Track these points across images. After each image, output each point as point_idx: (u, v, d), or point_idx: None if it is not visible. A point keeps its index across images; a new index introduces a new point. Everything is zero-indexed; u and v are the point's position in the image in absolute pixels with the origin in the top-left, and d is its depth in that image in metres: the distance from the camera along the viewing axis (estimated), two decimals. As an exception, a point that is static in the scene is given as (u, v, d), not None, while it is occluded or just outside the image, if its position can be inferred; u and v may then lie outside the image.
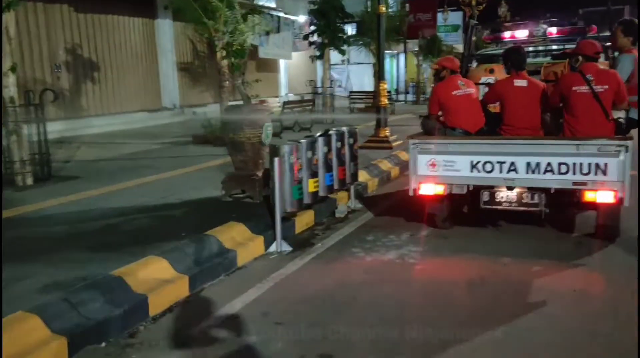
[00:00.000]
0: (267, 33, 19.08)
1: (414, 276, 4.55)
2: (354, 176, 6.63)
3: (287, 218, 5.52)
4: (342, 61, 26.46)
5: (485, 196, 5.10)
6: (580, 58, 5.21)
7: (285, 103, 12.95)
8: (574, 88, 5.02)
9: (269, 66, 21.76)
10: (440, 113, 5.84)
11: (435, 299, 4.03)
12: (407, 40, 29.70)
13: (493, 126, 5.64)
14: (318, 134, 5.99)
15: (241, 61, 6.66)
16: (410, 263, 4.77)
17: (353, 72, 27.86)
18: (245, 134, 6.00)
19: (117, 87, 14.68)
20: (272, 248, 5.09)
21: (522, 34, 8.09)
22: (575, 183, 4.73)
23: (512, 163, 4.89)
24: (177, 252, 4.33)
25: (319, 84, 16.89)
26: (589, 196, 4.74)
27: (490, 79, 6.89)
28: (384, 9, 10.51)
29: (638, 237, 4.87)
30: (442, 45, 27.70)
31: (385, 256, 4.94)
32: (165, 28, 15.94)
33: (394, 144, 10.48)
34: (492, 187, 5.07)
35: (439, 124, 5.81)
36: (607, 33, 7.29)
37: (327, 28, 15.18)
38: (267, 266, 4.77)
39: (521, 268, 4.55)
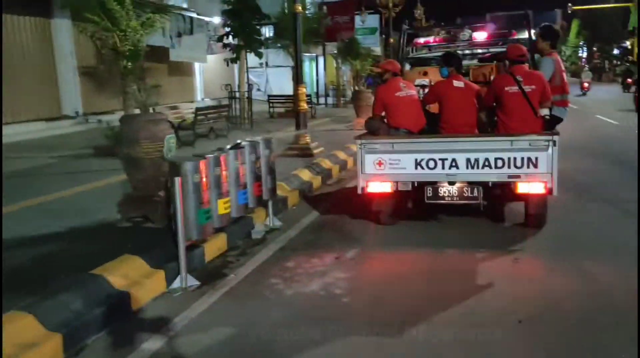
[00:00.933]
0: (179, 34, 18.05)
1: (339, 312, 3.96)
2: (272, 191, 5.97)
3: (196, 245, 4.78)
4: (261, 63, 25.65)
5: (429, 191, 5.38)
6: (507, 62, 5.74)
7: (197, 109, 12.03)
8: (506, 88, 5.44)
9: (182, 70, 20.61)
10: (383, 114, 6.08)
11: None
12: (326, 43, 29.49)
13: (433, 125, 5.95)
14: (228, 146, 5.28)
15: (137, 64, 5.76)
16: (336, 295, 4.17)
17: (272, 75, 27.11)
18: (143, 149, 5.17)
19: (6, 95, 13.10)
20: (176, 283, 4.33)
21: (449, 38, 8.28)
22: (510, 176, 5.10)
23: (454, 160, 5.17)
24: (49, 302, 3.47)
25: (235, 88, 16.00)
26: (523, 187, 5.12)
27: (425, 81, 7.14)
28: (300, 8, 9.92)
29: (638, 238, 4.99)
30: (360, 48, 27.56)
31: (308, 288, 4.31)
32: (63, 29, 14.49)
33: (315, 151, 9.92)
34: (435, 183, 5.36)
35: (383, 124, 6.00)
36: (524, 36, 7.45)
37: (242, 29, 14.40)
38: (169, 308, 4.00)
39: (464, 257, 4.87)
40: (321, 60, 33.46)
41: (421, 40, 8.60)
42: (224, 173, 4.84)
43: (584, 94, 30.46)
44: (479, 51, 8.01)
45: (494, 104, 5.70)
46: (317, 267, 4.75)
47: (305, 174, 8.24)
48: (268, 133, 12.93)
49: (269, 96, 20.71)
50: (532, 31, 7.10)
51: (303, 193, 7.57)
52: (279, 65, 26.05)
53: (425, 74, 7.32)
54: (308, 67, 36.14)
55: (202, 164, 4.46)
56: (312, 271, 4.65)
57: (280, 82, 25.71)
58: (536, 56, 6.55)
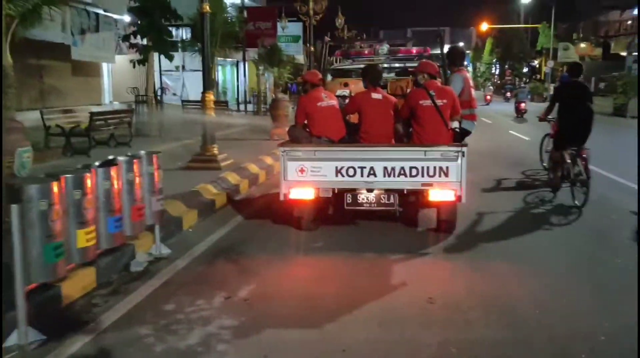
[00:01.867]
0: (83, 31, 16.57)
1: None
2: (159, 214, 5.11)
3: (49, 286, 3.85)
4: (177, 67, 24.41)
5: (348, 198, 5.57)
6: (424, 76, 5.95)
7: (93, 114, 10.81)
8: (420, 102, 5.74)
9: (88, 70, 19.00)
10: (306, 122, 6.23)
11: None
12: (247, 49, 28.63)
13: (352, 134, 6.16)
14: (97, 163, 4.39)
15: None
16: (218, 353, 3.40)
17: (189, 79, 25.74)
18: (-13, 164, 4.17)
19: None
20: (12, 339, 3.38)
21: (368, 51, 8.67)
22: (423, 184, 5.38)
23: (372, 168, 5.39)
24: None
25: (144, 92, 14.79)
26: (435, 195, 5.43)
27: (345, 92, 7.30)
28: (207, 8, 9.08)
29: (638, 239, 5.37)
30: (283, 55, 26.95)
31: (184, 341, 3.51)
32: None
33: (223, 164, 9.09)
34: (354, 190, 5.55)
35: (306, 133, 6.16)
36: (437, 51, 7.98)
37: (151, 29, 13.31)
38: (-5, 376, 3.09)
39: (379, 260, 5.12)
40: (243, 66, 32.59)
41: (349, 51, 8.95)
42: (88, 196, 3.94)
43: (487, 104, 34.04)
44: (397, 65, 8.29)
45: (409, 116, 5.95)
46: (202, 311, 3.95)
47: (208, 191, 7.40)
48: (177, 141, 11.93)
49: (182, 101, 19.55)
50: (446, 48, 7.45)
51: (203, 212, 6.74)
52: (196, 69, 24.84)
53: (346, 85, 7.43)
54: (230, 73, 35.12)
55: (53, 187, 3.54)
56: (195, 317, 3.85)
57: (198, 86, 24.17)
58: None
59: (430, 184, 5.37)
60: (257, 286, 4.48)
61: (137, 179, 4.69)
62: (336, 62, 9.03)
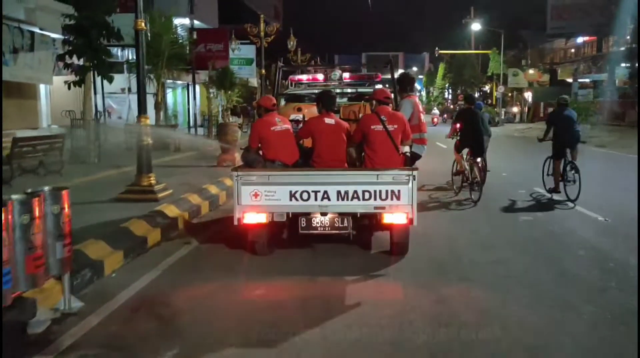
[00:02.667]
0: (15, 50, 15.42)
1: None
2: (65, 261, 4.27)
3: None
4: (123, 89, 23.32)
5: (303, 222, 5.61)
6: (372, 102, 6.12)
7: (16, 140, 9.77)
8: (372, 127, 5.85)
9: (23, 92, 17.73)
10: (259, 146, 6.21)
11: None
12: (198, 71, 27.81)
13: (305, 158, 6.20)
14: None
15: None
16: None
17: (136, 102, 24.75)
18: None
19: None
20: None
21: (320, 77, 8.75)
22: (376, 207, 5.45)
23: (325, 192, 5.43)
24: None
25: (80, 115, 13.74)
26: (387, 218, 5.49)
27: (299, 116, 7.35)
28: (142, 24, 8.31)
29: (638, 240, 5.59)
30: (235, 77, 26.24)
31: None
32: None
33: (160, 194, 8.25)
34: (308, 213, 5.57)
35: (259, 157, 6.17)
36: (388, 76, 8.17)
37: (88, 48, 12.39)
38: None
39: (336, 283, 5.12)
40: (196, 89, 31.66)
41: (296, 77, 9.02)
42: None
43: (434, 126, 36.00)
44: (349, 90, 8.40)
45: (362, 140, 6.00)
46: (107, 391, 3.16)
47: (139, 227, 6.56)
48: (115, 169, 10.97)
49: (125, 125, 18.53)
50: (396, 74, 7.78)
51: (131, 253, 5.90)
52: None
53: (299, 109, 7.44)
54: (181, 96, 34.09)
55: None
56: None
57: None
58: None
59: (382, 208, 5.43)
60: (181, 351, 3.70)
61: (37, 222, 3.86)
62: (290, 86, 9.06)
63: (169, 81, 30.11)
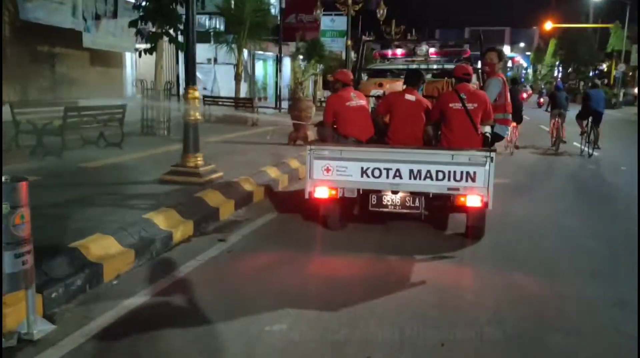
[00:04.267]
0: (98, 17, 15.22)
1: None
2: (24, 275, 3.31)
3: None
4: (209, 59, 22.94)
5: (373, 199, 5.52)
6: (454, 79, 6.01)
7: (68, 109, 9.21)
8: (450, 105, 5.64)
9: (109, 60, 17.72)
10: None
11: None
12: (288, 42, 26.93)
13: (381, 135, 6.05)
14: None
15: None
16: None
17: (221, 73, 24.27)
18: None
19: None
20: None
21: (406, 51, 8.39)
22: (449, 188, 5.27)
23: (397, 170, 5.30)
24: None
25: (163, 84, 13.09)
26: (461, 200, 5.30)
27: (379, 92, 7.13)
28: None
29: (638, 238, 5.53)
30: (325, 50, 25.07)
31: None
32: None
33: (207, 178, 7.26)
34: (379, 191, 5.48)
35: (333, 132, 6.10)
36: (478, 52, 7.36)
37: (158, 13, 11.70)
38: None
39: (403, 262, 5.02)
40: (287, 61, 30.85)
41: (386, 51, 8.70)
42: None
43: (540, 107, 29.94)
44: (435, 66, 7.95)
45: (439, 119, 5.84)
46: None
47: (167, 219, 5.59)
48: (180, 143, 10.18)
49: (204, 96, 18.00)
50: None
51: (145, 253, 4.95)
52: (229, 62, 23.35)
53: (380, 85, 7.24)
54: (271, 68, 33.35)
55: None
56: None
57: (230, 81, 22.87)
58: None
59: (456, 189, 5.25)
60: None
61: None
62: (376, 61, 9.00)
63: (258, 52, 29.74)
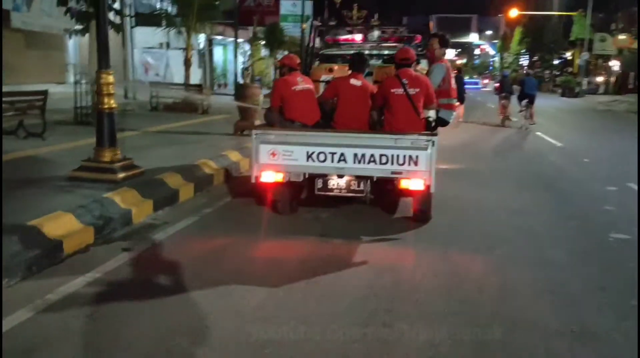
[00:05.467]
0: (28, -7, 13.99)
1: None
2: None
3: None
4: (161, 44, 21.74)
5: (319, 183, 5.62)
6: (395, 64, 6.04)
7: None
8: (392, 90, 5.73)
9: (47, 42, 16.45)
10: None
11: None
12: (248, 27, 25.84)
13: (328, 120, 6.17)
14: None
15: None
16: None
17: (174, 58, 23.04)
18: None
19: None
20: None
21: (358, 37, 8.56)
22: (393, 172, 5.32)
23: (342, 154, 5.34)
24: None
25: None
26: (404, 183, 5.37)
27: (329, 77, 7.17)
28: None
29: (638, 236, 5.44)
30: (284, 35, 24.11)
31: None
32: None
33: (122, 174, 6.33)
34: (325, 175, 5.57)
35: (280, 116, 6.12)
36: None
37: (89, -10, 10.62)
38: None
39: (348, 245, 5.10)
40: (247, 47, 29.68)
41: (338, 37, 8.72)
42: None
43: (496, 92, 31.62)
44: (385, 52, 8.04)
45: (382, 104, 5.91)
46: None
47: (57, 226, 4.71)
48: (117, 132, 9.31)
49: (150, 83, 16.90)
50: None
51: (35, 262, 4.08)
52: (183, 47, 22.16)
53: (330, 70, 7.29)
54: (232, 53, 32.14)
55: None
56: None
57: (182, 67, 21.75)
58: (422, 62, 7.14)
59: (399, 173, 5.30)
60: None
61: None
62: (328, 46, 8.72)
63: (217, 37, 28.55)
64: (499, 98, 17.09)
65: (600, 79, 41.46)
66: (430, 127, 5.89)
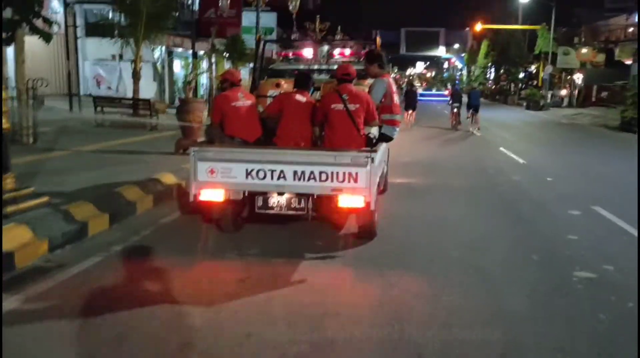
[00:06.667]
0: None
1: None
2: None
3: None
4: (113, 56, 20.71)
5: (259, 201, 5.44)
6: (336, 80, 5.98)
7: None
8: (332, 106, 5.66)
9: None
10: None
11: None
12: (209, 39, 24.95)
13: (271, 136, 6.01)
14: None
15: None
16: None
17: (128, 71, 22.04)
18: None
19: None
20: None
21: (308, 52, 8.52)
22: (333, 189, 5.17)
23: (282, 171, 5.21)
24: None
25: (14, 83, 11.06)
26: (344, 200, 5.19)
27: (277, 92, 7.11)
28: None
29: (638, 238, 5.76)
30: (246, 47, 23.29)
31: None
32: None
33: (12, 208, 5.37)
34: (265, 193, 5.40)
35: (221, 132, 6.03)
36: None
37: (14, -4, 9.67)
38: None
39: (288, 264, 4.96)
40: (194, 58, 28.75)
41: (287, 51, 8.74)
42: None
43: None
44: (335, 67, 7.68)
45: (323, 120, 5.84)
46: None
47: None
48: (44, 153, 8.53)
49: (94, 97, 15.87)
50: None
51: None
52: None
53: (277, 85, 7.24)
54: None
55: None
56: None
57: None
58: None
59: (340, 190, 5.15)
60: None
61: None
62: (278, 61, 8.83)
63: (177, 49, 27.61)
64: (450, 107, 20.48)
65: (564, 92, 41.79)
66: (371, 144, 5.73)
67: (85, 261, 4.94)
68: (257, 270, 4.83)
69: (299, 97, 5.88)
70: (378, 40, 8.25)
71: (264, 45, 8.31)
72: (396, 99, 6.27)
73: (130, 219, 6.40)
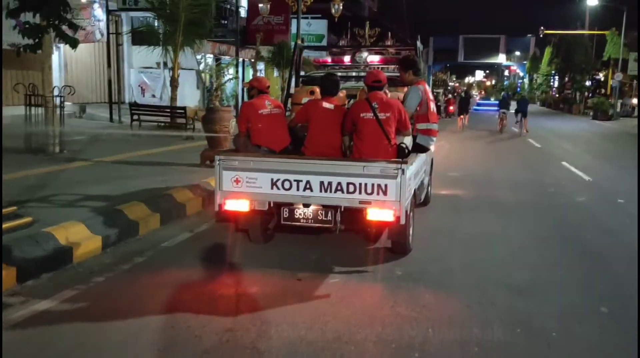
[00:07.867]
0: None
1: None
2: None
3: None
4: (158, 63, 20.54)
5: (285, 212, 5.28)
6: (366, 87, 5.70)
7: None
8: (361, 114, 5.38)
9: (27, 62, 15.29)
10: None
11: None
12: (253, 47, 24.60)
13: (299, 145, 5.82)
14: None
15: None
16: None
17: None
18: None
19: None
20: None
21: (346, 59, 8.43)
22: (361, 201, 4.96)
23: (308, 182, 5.06)
24: None
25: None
26: (373, 213, 4.95)
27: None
28: None
29: (638, 238, 5.73)
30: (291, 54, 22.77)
31: None
32: None
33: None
34: (291, 204, 5.22)
35: (247, 141, 5.88)
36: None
37: (42, 2, 9.32)
38: None
39: (315, 278, 4.80)
40: (261, 67, 28.49)
41: (326, 58, 9.02)
42: None
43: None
44: None
45: (352, 129, 5.53)
46: None
47: None
48: (69, 163, 8.16)
49: (131, 105, 15.56)
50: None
51: None
52: (185, 67, 20.95)
53: (311, 93, 6.74)
54: (244, 74, 30.98)
55: None
56: None
57: (182, 88, 20.46)
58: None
59: (368, 202, 4.89)
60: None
61: None
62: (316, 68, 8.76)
63: (226, 57, 27.42)
64: (498, 113, 22.83)
65: (634, 101, 38.91)
66: (403, 155, 5.41)
67: (59, 294, 4.25)
68: (279, 283, 4.69)
69: (326, 104, 5.60)
70: (419, 45, 7.62)
71: (301, 51, 8.09)
72: (433, 107, 5.93)
73: (129, 241, 5.73)
